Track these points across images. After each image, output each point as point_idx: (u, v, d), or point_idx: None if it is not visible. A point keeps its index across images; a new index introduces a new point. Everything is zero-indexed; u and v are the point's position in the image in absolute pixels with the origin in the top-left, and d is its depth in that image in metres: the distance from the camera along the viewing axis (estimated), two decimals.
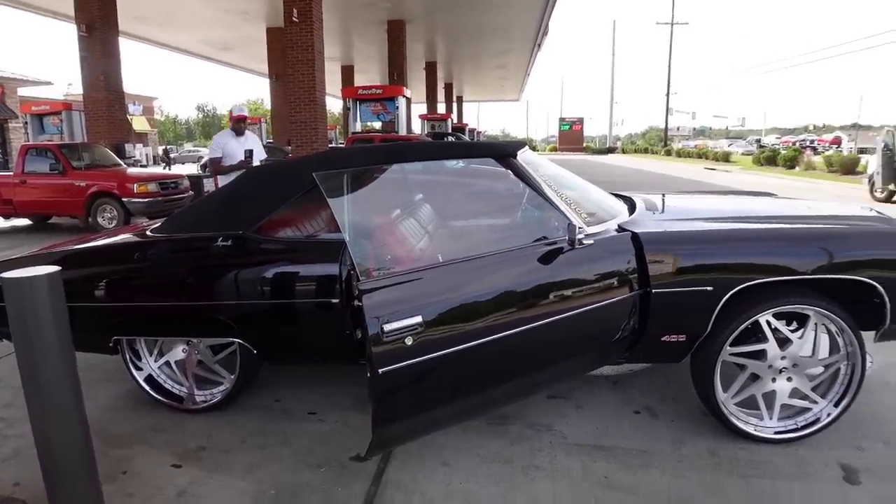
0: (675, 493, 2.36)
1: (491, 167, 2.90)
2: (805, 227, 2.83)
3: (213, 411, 3.07)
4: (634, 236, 2.60)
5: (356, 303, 2.75)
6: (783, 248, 2.56)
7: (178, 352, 3.09)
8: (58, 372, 1.89)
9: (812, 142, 52.66)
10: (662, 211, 3.17)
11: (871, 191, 13.41)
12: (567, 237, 2.38)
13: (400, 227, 2.78)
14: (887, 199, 12.76)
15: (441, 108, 31.73)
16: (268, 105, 33.66)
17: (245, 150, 5.99)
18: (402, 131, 16.01)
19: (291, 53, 12.11)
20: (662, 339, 2.63)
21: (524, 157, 2.73)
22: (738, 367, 2.73)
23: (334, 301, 2.66)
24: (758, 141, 60.33)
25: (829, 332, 2.65)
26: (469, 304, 2.15)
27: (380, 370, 1.92)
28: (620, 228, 2.70)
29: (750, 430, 2.72)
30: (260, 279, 2.75)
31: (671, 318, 2.59)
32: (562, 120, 53.96)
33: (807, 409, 2.73)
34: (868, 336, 2.68)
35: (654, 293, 2.53)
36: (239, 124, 6.17)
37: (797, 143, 47.08)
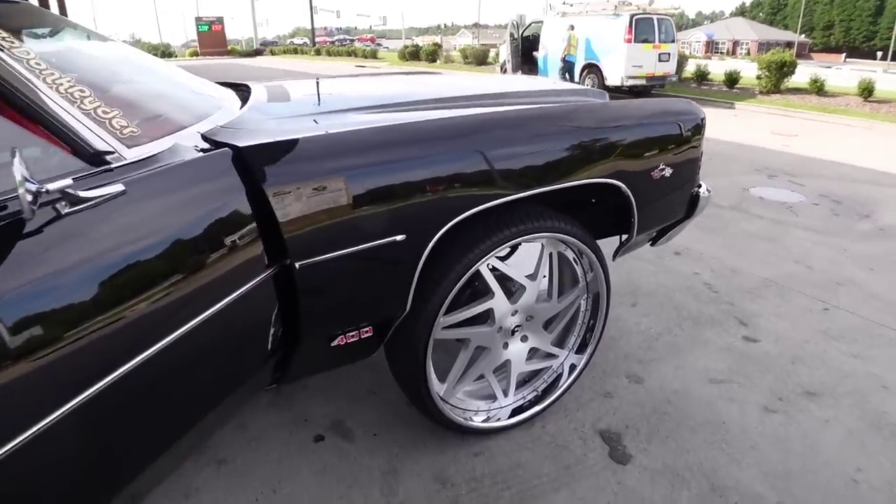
0: None
1: None
2: (523, 108, 1.81)
3: None
4: (237, 155, 1.23)
5: None
6: (507, 143, 1.52)
7: None
8: None
9: (351, 41, 59.69)
10: (295, 101, 1.87)
11: None
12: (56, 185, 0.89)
13: None
14: None
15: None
16: None
17: None
18: None
19: None
20: (333, 344, 1.42)
21: None
22: (458, 341, 1.73)
23: None
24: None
25: (564, 259, 1.81)
26: None
27: None
28: (214, 143, 1.29)
29: (479, 421, 1.80)
30: None
31: (339, 307, 1.38)
32: (198, 20, 46.84)
33: (545, 369, 1.92)
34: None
35: (301, 267, 1.25)
36: None
37: (335, 42, 53.61)
